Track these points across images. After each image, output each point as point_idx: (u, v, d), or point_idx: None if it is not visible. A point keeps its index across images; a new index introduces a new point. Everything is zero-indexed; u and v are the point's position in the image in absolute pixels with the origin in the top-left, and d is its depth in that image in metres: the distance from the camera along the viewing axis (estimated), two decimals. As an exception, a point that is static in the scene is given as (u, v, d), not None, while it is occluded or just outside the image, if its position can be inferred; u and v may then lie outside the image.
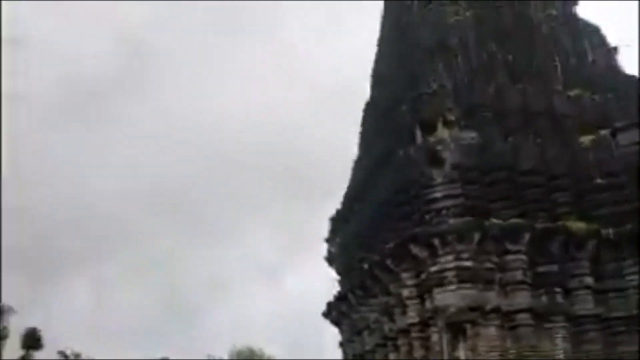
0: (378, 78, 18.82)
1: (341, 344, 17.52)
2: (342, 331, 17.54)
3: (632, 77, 16.43)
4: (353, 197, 17.82)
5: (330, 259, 19.07)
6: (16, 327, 23.23)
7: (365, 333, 15.49)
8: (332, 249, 18.96)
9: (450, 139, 13.21)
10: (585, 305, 12.11)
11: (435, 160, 13.13)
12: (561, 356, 11.73)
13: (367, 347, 15.21)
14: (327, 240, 19.41)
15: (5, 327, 22.76)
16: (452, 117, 13.57)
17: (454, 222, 12.36)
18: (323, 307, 18.22)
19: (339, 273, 18.37)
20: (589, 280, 12.33)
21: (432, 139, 13.29)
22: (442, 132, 13.26)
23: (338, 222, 18.97)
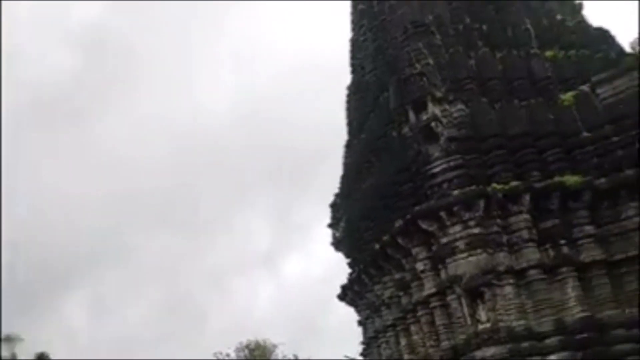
0: (357, 63, 19.25)
1: (360, 323, 18.18)
2: (359, 311, 18.18)
3: (601, 30, 17.15)
4: (351, 181, 18.34)
5: (337, 244, 19.64)
6: (25, 355, 23.51)
7: (383, 309, 16.13)
8: (337, 234, 19.54)
9: (441, 115, 13.75)
10: (590, 252, 12.84)
11: (431, 136, 13.69)
12: (573, 303, 12.46)
13: (387, 323, 15.85)
14: (331, 226, 19.95)
15: (14, 354, 23.02)
16: (440, 94, 14.10)
17: (458, 193, 12.96)
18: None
19: (347, 256, 18.96)
20: (589, 228, 13.06)
21: (424, 117, 13.82)
22: (433, 109, 13.78)
23: (339, 207, 19.53)
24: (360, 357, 18.67)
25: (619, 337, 12.16)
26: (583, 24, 17.22)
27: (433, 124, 13.63)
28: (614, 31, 17.25)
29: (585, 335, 12.08)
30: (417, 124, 13.93)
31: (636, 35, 16.17)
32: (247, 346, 35.05)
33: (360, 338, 18.26)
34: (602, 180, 13.15)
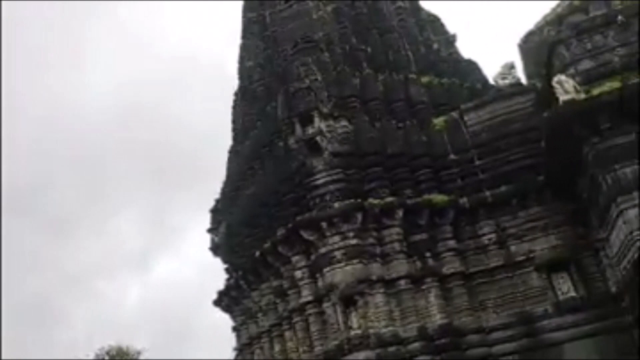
0: (246, 69, 19.42)
1: (234, 329, 18.26)
2: (234, 317, 18.26)
3: (470, 61, 18.93)
4: (233, 187, 18.41)
5: (215, 249, 19.58)
6: None
7: (259, 316, 16.38)
8: (216, 239, 19.48)
9: (326, 130, 14.38)
10: (451, 265, 14.09)
11: (316, 149, 14.26)
12: (435, 311, 13.61)
13: (263, 329, 16.12)
14: (210, 230, 19.86)
15: None
16: (326, 109, 14.73)
17: (338, 205, 13.61)
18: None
19: (225, 262, 18.97)
20: (451, 243, 14.32)
21: (310, 131, 14.36)
22: (319, 124, 14.37)
23: (219, 212, 19.49)
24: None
25: (473, 342, 13.47)
26: (455, 54, 18.87)
27: (318, 138, 14.21)
28: (481, 63, 19.22)
29: (443, 340, 13.23)
30: (303, 137, 14.43)
31: (499, 69, 18.13)
32: (107, 352, 33.32)
33: (233, 344, 18.37)
34: (465, 199, 14.51)
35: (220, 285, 18.32)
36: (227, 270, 18.81)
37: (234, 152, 19.24)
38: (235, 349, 18.17)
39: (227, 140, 19.92)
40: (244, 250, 16.76)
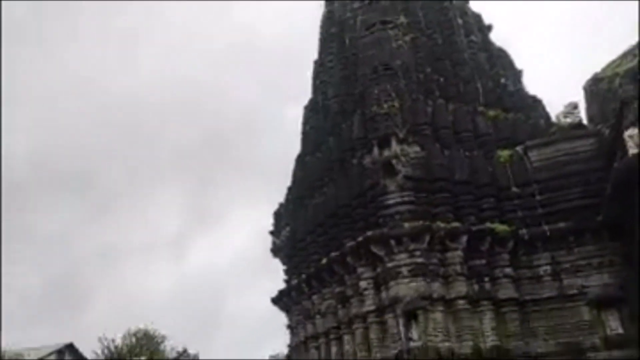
0: (320, 84, 20.69)
1: (290, 327, 19.54)
2: (290, 316, 19.53)
3: (535, 98, 19.85)
4: (300, 195, 19.69)
5: (275, 250, 20.92)
6: None
7: (317, 318, 17.59)
8: (277, 241, 20.82)
9: (401, 154, 15.53)
10: (506, 291, 15.07)
11: (390, 171, 15.41)
12: (488, 332, 14.62)
13: (320, 330, 17.33)
14: (272, 233, 21.21)
15: None
16: (402, 135, 15.88)
17: (408, 225, 14.73)
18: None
19: (285, 264, 20.27)
20: (508, 270, 15.32)
21: (387, 153, 15.52)
22: (396, 148, 15.52)
23: (283, 216, 20.81)
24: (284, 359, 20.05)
25: (521, 365, 14.45)
26: (521, 90, 19.83)
27: (394, 160, 15.36)
28: (545, 99, 20.10)
29: (494, 360, 14.24)
30: (379, 158, 15.59)
31: (562, 108, 19.02)
32: (134, 334, 34.69)
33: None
34: (524, 231, 15.48)
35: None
36: (286, 271, 20.12)
37: (301, 161, 20.53)
38: (289, 346, 19.46)
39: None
40: (308, 255, 18.01)
